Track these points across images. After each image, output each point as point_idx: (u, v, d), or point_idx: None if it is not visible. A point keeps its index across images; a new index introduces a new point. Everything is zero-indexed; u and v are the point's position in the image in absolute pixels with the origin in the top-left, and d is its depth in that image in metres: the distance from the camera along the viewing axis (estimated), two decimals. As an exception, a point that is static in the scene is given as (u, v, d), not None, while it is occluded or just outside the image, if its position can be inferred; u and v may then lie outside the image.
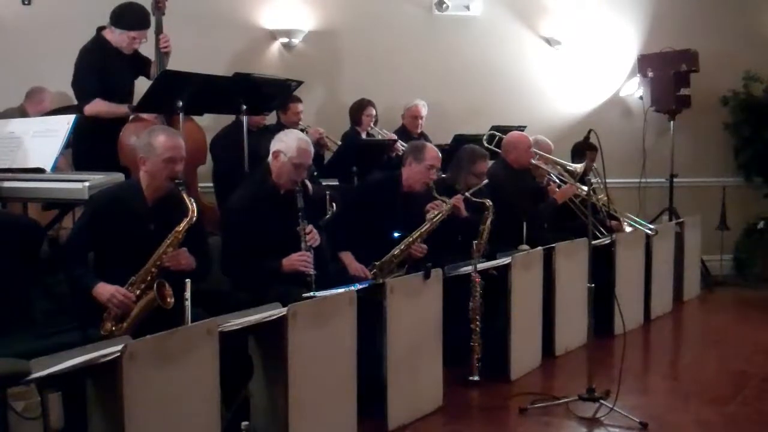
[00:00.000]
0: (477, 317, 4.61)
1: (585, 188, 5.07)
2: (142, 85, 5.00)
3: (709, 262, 7.65)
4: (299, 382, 3.37)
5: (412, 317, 4.09)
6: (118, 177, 4.19)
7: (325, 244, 4.32)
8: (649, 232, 6.24)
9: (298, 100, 6.18)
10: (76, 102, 4.99)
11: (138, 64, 5.00)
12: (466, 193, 5.09)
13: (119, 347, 2.74)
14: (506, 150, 5.83)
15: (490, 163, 5.94)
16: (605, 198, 5.73)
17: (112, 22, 4.77)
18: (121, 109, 4.76)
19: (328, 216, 5.05)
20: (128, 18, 4.75)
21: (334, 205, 5.20)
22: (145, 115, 4.75)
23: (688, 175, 7.77)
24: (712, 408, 4.33)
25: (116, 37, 4.77)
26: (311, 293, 3.82)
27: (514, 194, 5.59)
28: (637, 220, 6.44)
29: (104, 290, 3.49)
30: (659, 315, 6.37)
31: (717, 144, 8.05)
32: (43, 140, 4.27)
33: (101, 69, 4.75)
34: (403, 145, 6.07)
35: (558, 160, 5.95)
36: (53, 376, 2.65)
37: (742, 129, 7.93)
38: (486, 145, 6.09)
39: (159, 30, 4.91)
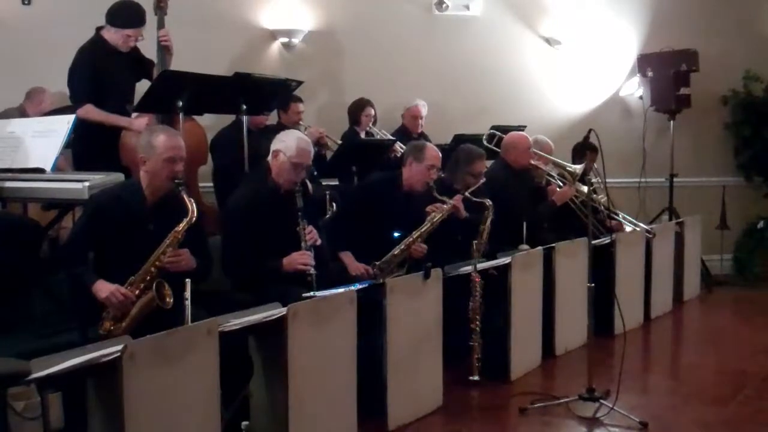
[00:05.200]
0: (477, 317, 4.61)
1: (585, 188, 5.07)
2: (142, 85, 5.00)
3: (709, 262, 7.65)
4: (299, 382, 3.37)
5: (412, 317, 4.09)
6: (118, 177, 4.18)
7: (325, 243, 4.32)
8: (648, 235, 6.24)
9: (299, 99, 6.18)
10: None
11: (140, 66, 4.99)
12: (466, 193, 5.09)
13: (119, 347, 2.73)
14: (506, 150, 5.83)
15: (490, 163, 5.96)
16: (605, 198, 5.73)
17: (108, 20, 4.76)
18: (112, 118, 4.73)
19: (328, 216, 5.05)
20: (123, 16, 4.75)
21: (334, 205, 5.20)
22: (137, 124, 4.73)
23: (688, 175, 7.76)
24: (712, 408, 4.33)
25: (113, 35, 4.77)
26: (311, 293, 3.83)
27: (514, 194, 5.59)
28: (635, 221, 6.47)
29: (104, 287, 3.49)
30: (659, 315, 6.37)
31: (717, 144, 8.06)
32: (43, 140, 4.26)
33: (98, 69, 4.74)
34: (401, 147, 6.07)
35: (557, 160, 5.95)
36: (53, 376, 2.64)
37: (742, 129, 7.94)
38: (486, 144, 6.09)
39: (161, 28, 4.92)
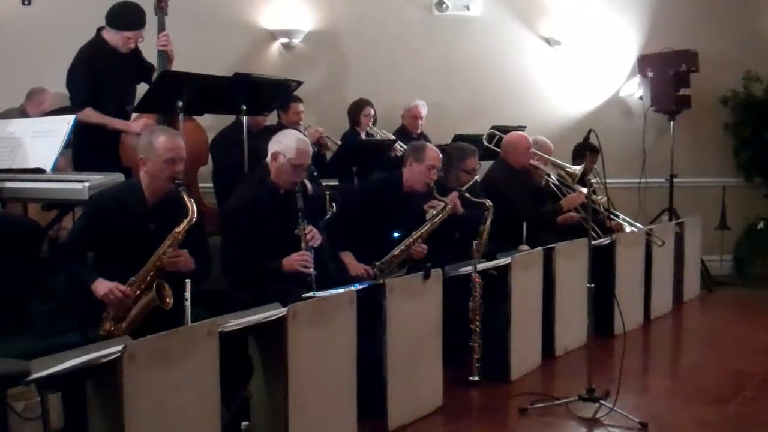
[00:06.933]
0: (477, 317, 4.61)
1: (584, 189, 5.07)
2: (142, 86, 5.00)
3: (709, 262, 7.65)
4: (299, 382, 3.37)
5: (412, 317, 4.09)
6: (118, 177, 4.18)
7: (325, 244, 4.32)
8: (659, 243, 6.21)
9: (299, 99, 6.18)
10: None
11: (141, 69, 4.98)
12: (465, 193, 5.09)
13: (119, 347, 2.73)
14: (506, 150, 5.84)
15: (488, 163, 5.96)
16: (605, 199, 5.73)
17: (108, 22, 4.76)
18: (110, 121, 4.72)
19: (328, 216, 5.05)
20: (122, 18, 4.74)
21: (334, 205, 5.20)
22: (134, 126, 4.72)
23: (688, 175, 7.76)
24: (712, 408, 4.33)
25: (113, 37, 4.77)
26: (311, 293, 3.83)
27: (514, 194, 5.59)
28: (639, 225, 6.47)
29: (102, 285, 3.49)
30: (659, 315, 6.36)
31: (717, 144, 8.05)
32: (43, 140, 4.27)
33: (96, 70, 4.74)
34: (401, 146, 6.07)
35: (556, 161, 5.95)
36: (53, 377, 2.65)
37: (742, 129, 7.93)
38: (486, 144, 6.10)
39: (161, 30, 4.91)
